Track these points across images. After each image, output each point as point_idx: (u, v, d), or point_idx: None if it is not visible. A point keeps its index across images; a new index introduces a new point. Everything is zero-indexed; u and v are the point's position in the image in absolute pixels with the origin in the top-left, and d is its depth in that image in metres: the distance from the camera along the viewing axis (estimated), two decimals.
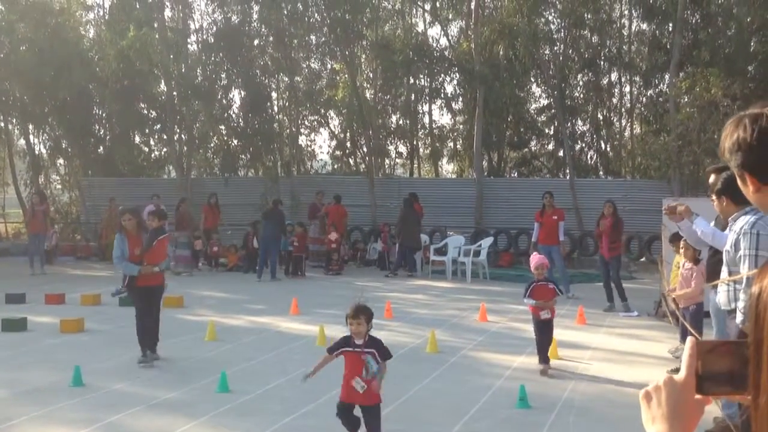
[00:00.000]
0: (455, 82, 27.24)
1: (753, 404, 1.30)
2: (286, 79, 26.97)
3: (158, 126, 28.22)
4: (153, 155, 30.15)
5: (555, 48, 26.21)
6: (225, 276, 19.61)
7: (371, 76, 29.16)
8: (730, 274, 5.58)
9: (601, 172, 27.67)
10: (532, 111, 28.83)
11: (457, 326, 12.35)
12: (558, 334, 9.97)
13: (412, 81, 28.06)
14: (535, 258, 9.58)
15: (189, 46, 26.31)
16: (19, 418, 7.31)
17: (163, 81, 26.26)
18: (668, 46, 23.67)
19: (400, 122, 30.24)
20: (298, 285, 17.57)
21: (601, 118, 27.92)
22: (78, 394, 8.15)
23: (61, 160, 29.62)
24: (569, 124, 26.64)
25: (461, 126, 29.20)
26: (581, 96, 27.84)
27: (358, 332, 5.98)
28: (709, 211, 6.42)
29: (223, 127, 25.85)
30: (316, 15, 25.24)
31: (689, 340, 1.42)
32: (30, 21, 24.71)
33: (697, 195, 17.58)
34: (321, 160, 31.38)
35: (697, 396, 1.39)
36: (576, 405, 7.85)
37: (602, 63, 27.00)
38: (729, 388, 1.37)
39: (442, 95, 28.41)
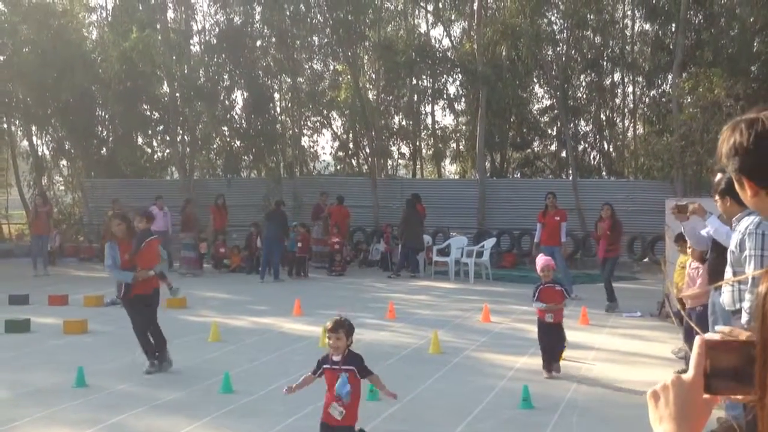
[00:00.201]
0: (458, 82, 27.30)
1: (759, 404, 1.30)
2: (289, 80, 26.95)
3: (161, 127, 28.24)
4: (156, 156, 30.15)
5: (558, 48, 26.17)
6: (228, 277, 19.60)
7: (374, 77, 29.15)
8: (734, 274, 5.56)
9: (603, 173, 27.65)
10: (535, 112, 28.82)
11: (460, 327, 12.35)
12: None
13: (414, 82, 28.02)
14: (541, 260, 9.43)
15: (192, 47, 26.35)
16: (22, 419, 7.32)
17: (165, 82, 26.29)
18: (671, 47, 23.62)
19: (403, 123, 30.24)
20: (301, 286, 17.57)
21: (603, 118, 27.90)
22: (81, 395, 8.16)
23: (64, 162, 29.65)
24: (572, 124, 26.63)
25: (464, 127, 29.16)
26: (584, 96, 27.82)
27: (336, 347, 5.63)
28: (712, 212, 6.41)
29: (225, 128, 25.87)
30: (318, 16, 25.22)
31: (698, 338, 1.42)
32: (33, 23, 24.74)
33: (700, 195, 17.55)
34: (324, 161, 31.41)
35: (705, 395, 1.39)
36: (579, 405, 7.84)
37: (605, 63, 26.99)
38: (734, 384, 1.37)
39: (445, 96, 28.41)
